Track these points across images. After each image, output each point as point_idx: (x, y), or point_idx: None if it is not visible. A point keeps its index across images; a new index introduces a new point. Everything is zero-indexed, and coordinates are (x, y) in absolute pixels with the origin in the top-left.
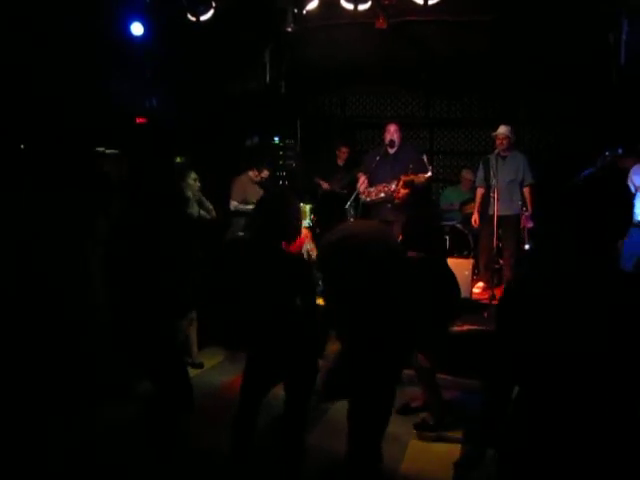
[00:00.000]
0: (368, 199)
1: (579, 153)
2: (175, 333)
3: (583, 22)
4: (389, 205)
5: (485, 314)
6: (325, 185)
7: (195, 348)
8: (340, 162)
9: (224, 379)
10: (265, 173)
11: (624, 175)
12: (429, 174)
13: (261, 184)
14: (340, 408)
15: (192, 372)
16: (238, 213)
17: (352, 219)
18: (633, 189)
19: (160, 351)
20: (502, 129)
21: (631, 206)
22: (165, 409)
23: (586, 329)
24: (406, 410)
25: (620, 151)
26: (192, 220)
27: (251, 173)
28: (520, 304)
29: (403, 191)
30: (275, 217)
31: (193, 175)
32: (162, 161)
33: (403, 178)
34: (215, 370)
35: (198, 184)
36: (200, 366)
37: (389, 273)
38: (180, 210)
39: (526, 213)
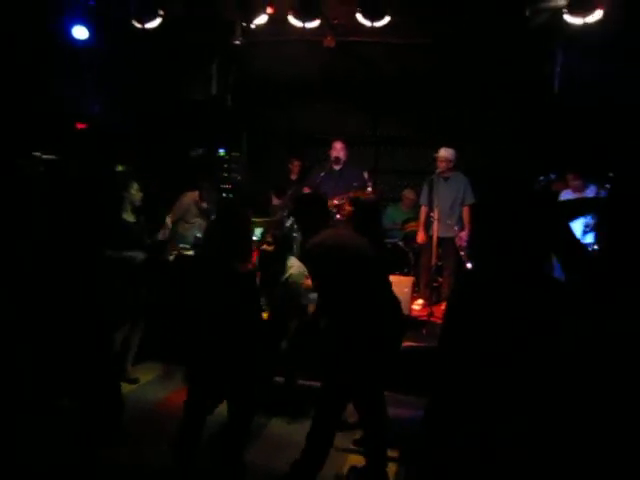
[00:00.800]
0: None
1: (516, 177)
2: (108, 346)
3: (521, 52)
4: (335, 218)
5: (424, 331)
6: (277, 201)
7: (129, 364)
8: (293, 176)
9: (160, 395)
10: (205, 205)
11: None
12: (369, 190)
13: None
14: (279, 423)
15: (126, 388)
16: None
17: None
18: None
19: (91, 364)
20: (442, 152)
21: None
22: (91, 425)
23: (511, 333)
24: (343, 426)
25: (553, 176)
26: (128, 232)
27: (198, 196)
28: (461, 314)
29: (348, 208)
30: (236, 236)
31: (135, 186)
32: (101, 168)
33: (351, 194)
34: (151, 386)
35: (140, 194)
36: (135, 382)
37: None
38: (112, 220)
39: (462, 233)
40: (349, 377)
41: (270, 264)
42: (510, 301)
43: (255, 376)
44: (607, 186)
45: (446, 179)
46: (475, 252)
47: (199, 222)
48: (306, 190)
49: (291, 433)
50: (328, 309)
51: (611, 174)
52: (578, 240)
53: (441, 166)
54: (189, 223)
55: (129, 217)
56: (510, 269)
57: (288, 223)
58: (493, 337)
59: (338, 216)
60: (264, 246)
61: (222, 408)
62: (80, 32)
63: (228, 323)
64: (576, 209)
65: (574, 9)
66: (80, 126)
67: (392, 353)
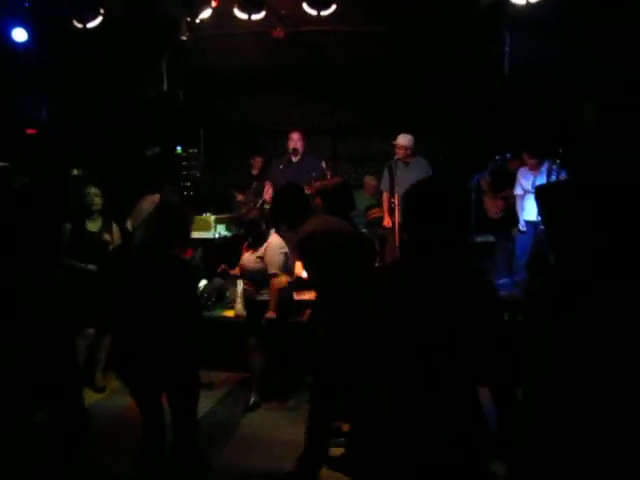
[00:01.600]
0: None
1: (473, 158)
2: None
3: (470, 35)
4: None
5: None
6: (239, 197)
7: (99, 372)
8: (254, 171)
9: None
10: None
11: (511, 177)
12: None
13: None
14: (250, 423)
15: (95, 396)
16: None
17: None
18: (521, 191)
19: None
20: (400, 139)
21: (458, 210)
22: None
23: (428, 321)
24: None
25: (509, 155)
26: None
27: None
28: (379, 299)
29: (317, 201)
30: (172, 226)
31: (94, 190)
32: (53, 175)
33: (314, 185)
34: (121, 392)
35: (100, 199)
36: (102, 390)
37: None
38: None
39: None
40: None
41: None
42: (430, 289)
43: (190, 367)
44: (557, 161)
45: (407, 164)
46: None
47: None
48: (267, 183)
49: (264, 430)
50: (327, 296)
51: (560, 150)
52: None
53: (399, 153)
54: None
55: (94, 225)
56: (424, 256)
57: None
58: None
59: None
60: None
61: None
62: (19, 34)
63: (157, 312)
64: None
65: None
66: (30, 132)
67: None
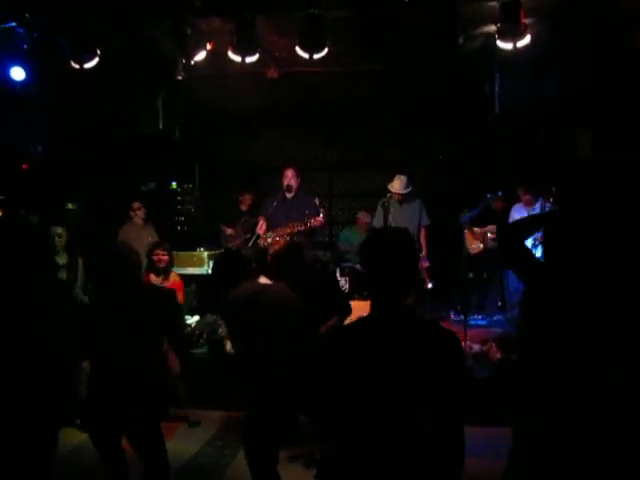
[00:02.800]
0: (265, 243)
1: (463, 196)
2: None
3: (461, 76)
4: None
5: None
6: (229, 231)
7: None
8: (243, 207)
9: None
10: (135, 206)
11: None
12: (321, 217)
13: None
14: (241, 464)
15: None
16: None
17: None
18: None
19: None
20: (397, 185)
21: (408, 261)
22: None
23: (383, 377)
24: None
25: (500, 194)
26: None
27: (133, 219)
28: (337, 355)
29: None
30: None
31: (58, 230)
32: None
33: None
34: None
35: (64, 239)
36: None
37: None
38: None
39: (420, 254)
40: None
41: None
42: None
43: (156, 403)
44: (551, 199)
45: (400, 202)
46: None
47: None
48: (261, 218)
49: None
50: None
51: (554, 188)
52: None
53: (395, 197)
54: None
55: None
56: (379, 308)
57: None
58: None
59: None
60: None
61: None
62: (17, 73)
63: (132, 349)
64: (527, 227)
65: (504, 35)
66: (25, 166)
67: None
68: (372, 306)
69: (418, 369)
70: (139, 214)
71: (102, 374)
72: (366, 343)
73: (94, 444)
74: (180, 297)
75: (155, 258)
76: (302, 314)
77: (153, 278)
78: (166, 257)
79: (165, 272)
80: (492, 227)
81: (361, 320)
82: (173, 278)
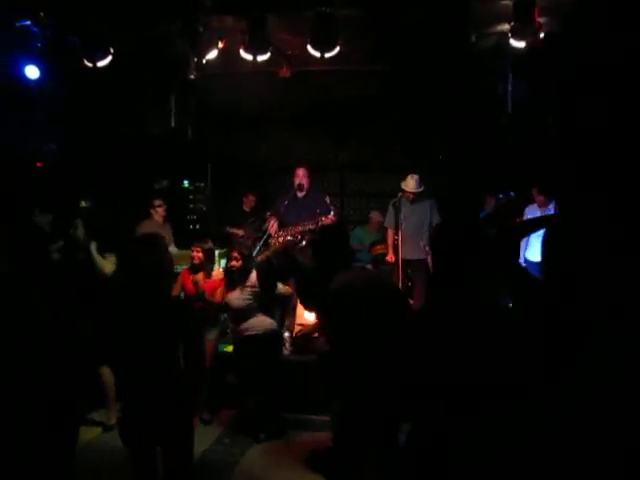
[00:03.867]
0: (277, 243)
1: (477, 196)
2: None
3: (474, 75)
4: (298, 247)
5: None
6: (240, 232)
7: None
8: (246, 208)
9: None
10: (157, 203)
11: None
12: (332, 215)
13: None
14: (250, 462)
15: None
16: None
17: None
18: None
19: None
20: (410, 184)
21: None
22: None
23: (453, 359)
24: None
25: (512, 194)
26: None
27: (154, 216)
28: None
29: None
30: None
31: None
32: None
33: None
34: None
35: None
36: (111, 429)
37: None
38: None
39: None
40: None
41: (237, 280)
42: (460, 331)
43: (185, 421)
44: None
45: (412, 202)
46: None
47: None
48: (272, 218)
49: (263, 471)
50: None
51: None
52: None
53: (409, 196)
54: None
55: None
56: (461, 299)
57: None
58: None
59: (304, 243)
60: (232, 262)
61: None
62: (32, 72)
63: (152, 358)
64: (529, 227)
65: (517, 34)
66: (39, 164)
67: None
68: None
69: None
70: (159, 211)
71: (133, 382)
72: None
73: (131, 455)
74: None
75: (192, 254)
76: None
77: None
78: (200, 254)
79: (198, 269)
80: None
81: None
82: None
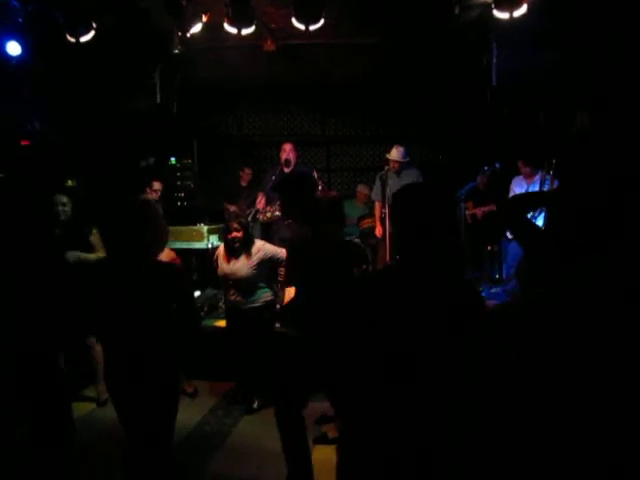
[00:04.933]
0: (265, 218)
1: (462, 168)
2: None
3: (458, 47)
4: (285, 223)
5: None
6: (233, 208)
7: (99, 382)
8: (243, 183)
9: None
10: (156, 186)
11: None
12: (319, 190)
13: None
14: (242, 433)
15: (87, 407)
16: None
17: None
18: None
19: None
20: (394, 153)
21: (444, 215)
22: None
23: (421, 329)
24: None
25: (497, 165)
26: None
27: (148, 195)
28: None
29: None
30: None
31: (62, 198)
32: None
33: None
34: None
35: (69, 209)
36: (104, 403)
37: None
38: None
39: None
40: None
41: (241, 249)
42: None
43: (173, 375)
44: (550, 172)
45: (398, 174)
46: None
47: None
48: (260, 194)
49: (256, 441)
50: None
51: (554, 161)
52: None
53: (395, 167)
54: None
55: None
56: (406, 260)
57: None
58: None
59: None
60: (233, 233)
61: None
62: (13, 48)
63: (143, 320)
64: (529, 202)
65: (500, 4)
66: (24, 143)
67: None
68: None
69: (441, 320)
70: (155, 195)
71: (117, 350)
72: (389, 292)
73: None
74: None
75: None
76: None
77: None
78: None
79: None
80: (485, 209)
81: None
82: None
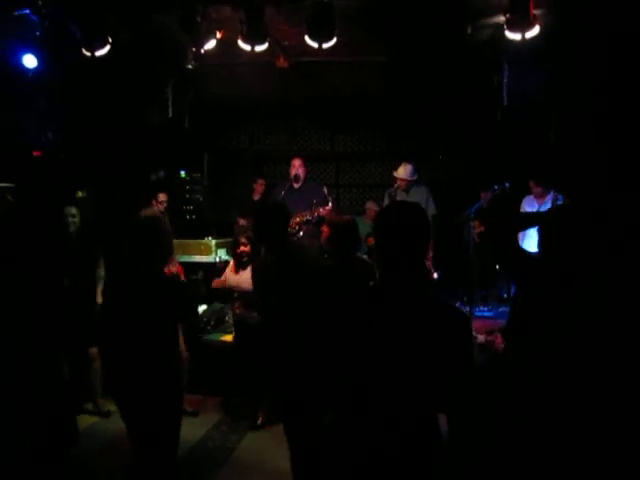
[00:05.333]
0: None
1: (471, 186)
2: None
3: (469, 67)
4: (295, 238)
5: None
6: (243, 222)
7: (98, 395)
8: (256, 196)
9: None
10: (162, 197)
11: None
12: (329, 206)
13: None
14: (247, 448)
15: (90, 419)
16: None
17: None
18: None
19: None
20: (402, 172)
21: (415, 234)
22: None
23: (384, 345)
24: None
25: (507, 185)
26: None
27: (154, 207)
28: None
29: (326, 230)
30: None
31: (71, 210)
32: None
33: (327, 218)
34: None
35: (78, 220)
36: (107, 414)
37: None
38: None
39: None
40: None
41: (248, 262)
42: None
43: (175, 389)
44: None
45: (407, 191)
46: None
47: None
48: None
49: (260, 456)
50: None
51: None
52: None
53: (402, 185)
54: None
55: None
56: (386, 278)
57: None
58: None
59: (301, 233)
60: (241, 247)
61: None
62: (29, 60)
63: (146, 333)
64: (525, 222)
65: (512, 26)
66: (36, 154)
67: None
68: (380, 277)
69: (420, 341)
70: (161, 206)
71: (119, 361)
72: (369, 312)
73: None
74: None
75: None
76: None
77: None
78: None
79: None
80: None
81: (368, 288)
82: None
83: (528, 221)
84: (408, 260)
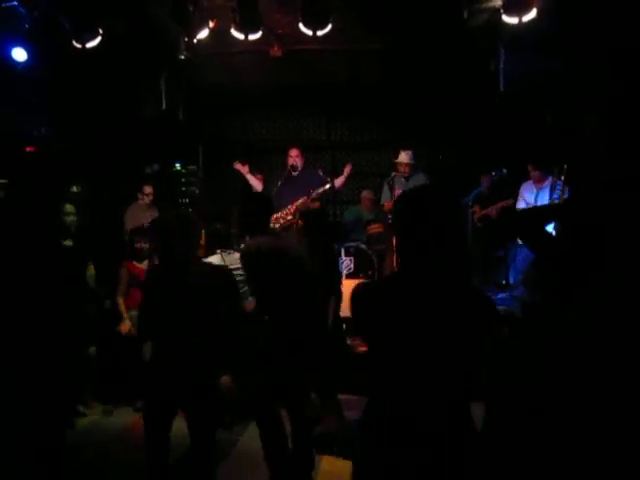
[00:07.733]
0: (280, 224)
1: (469, 173)
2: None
3: (466, 52)
4: (297, 227)
5: None
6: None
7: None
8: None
9: (127, 420)
10: (147, 190)
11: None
12: (328, 185)
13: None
14: (251, 441)
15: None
16: None
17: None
18: (524, 205)
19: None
20: (403, 156)
21: (446, 219)
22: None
23: (425, 330)
24: None
25: (505, 171)
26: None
27: (140, 200)
28: (367, 308)
29: (300, 223)
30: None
31: (68, 207)
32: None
33: (296, 206)
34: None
35: (74, 217)
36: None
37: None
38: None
39: None
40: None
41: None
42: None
43: (210, 383)
44: (562, 177)
45: (406, 179)
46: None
47: None
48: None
49: None
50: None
51: (565, 166)
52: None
53: (401, 170)
54: None
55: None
56: (409, 266)
57: None
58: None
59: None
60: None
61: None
62: (19, 54)
63: (197, 324)
64: (539, 218)
65: (509, 9)
66: (29, 149)
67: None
68: (402, 265)
69: (456, 324)
70: (147, 199)
71: (163, 351)
72: (396, 298)
73: (146, 425)
74: None
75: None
76: None
77: None
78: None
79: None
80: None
81: (391, 276)
82: None
83: (546, 216)
84: (438, 245)
